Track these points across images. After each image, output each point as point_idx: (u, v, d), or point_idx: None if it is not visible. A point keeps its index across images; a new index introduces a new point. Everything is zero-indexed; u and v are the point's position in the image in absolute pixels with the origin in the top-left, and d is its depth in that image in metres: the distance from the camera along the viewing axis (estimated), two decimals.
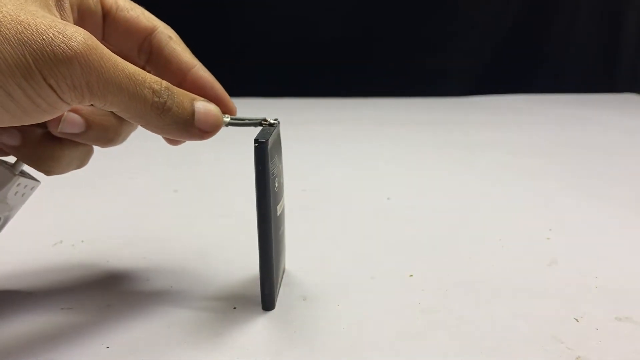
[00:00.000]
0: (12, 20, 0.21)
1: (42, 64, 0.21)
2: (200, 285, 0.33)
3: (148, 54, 0.30)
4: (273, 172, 0.28)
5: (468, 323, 0.29)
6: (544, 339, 0.27)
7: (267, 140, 0.27)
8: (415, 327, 0.28)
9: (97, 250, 0.38)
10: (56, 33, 0.22)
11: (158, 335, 0.28)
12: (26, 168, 0.29)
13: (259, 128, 0.29)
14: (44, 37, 0.21)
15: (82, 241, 0.39)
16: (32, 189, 0.30)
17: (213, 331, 0.28)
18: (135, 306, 0.30)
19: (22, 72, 0.21)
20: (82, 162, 0.30)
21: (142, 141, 0.71)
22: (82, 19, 0.27)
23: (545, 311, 0.30)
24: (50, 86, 0.22)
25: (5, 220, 0.30)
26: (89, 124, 0.27)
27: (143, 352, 0.26)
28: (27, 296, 0.31)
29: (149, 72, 0.27)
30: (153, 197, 0.50)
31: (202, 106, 0.27)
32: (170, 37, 0.30)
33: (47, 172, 0.29)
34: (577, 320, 0.29)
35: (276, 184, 0.29)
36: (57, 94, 0.22)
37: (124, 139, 0.30)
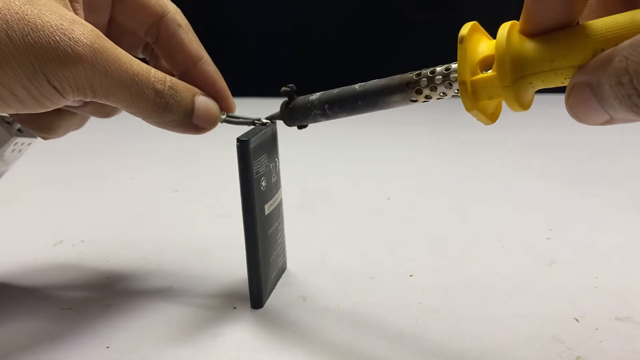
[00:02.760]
0: (19, 20, 0.21)
1: (46, 68, 0.21)
2: (200, 285, 0.33)
3: (155, 37, 0.30)
4: (258, 171, 0.28)
5: (468, 323, 0.29)
6: (544, 339, 0.27)
7: (249, 139, 0.27)
8: (415, 327, 0.28)
9: (97, 250, 0.38)
10: (62, 36, 0.22)
11: (158, 335, 0.28)
12: None
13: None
14: (51, 40, 0.21)
15: (82, 241, 0.39)
16: (29, 144, 0.31)
17: (213, 331, 0.28)
18: (135, 306, 0.30)
19: (27, 74, 0.21)
20: (79, 126, 0.31)
21: (142, 141, 0.71)
22: None
23: (545, 311, 0.30)
24: (54, 87, 0.22)
25: (1, 175, 0.31)
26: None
27: (143, 352, 0.26)
28: (27, 296, 0.31)
29: (156, 54, 0.28)
30: (153, 197, 0.50)
31: (202, 103, 0.27)
32: (179, 25, 0.30)
33: (45, 138, 0.29)
34: (577, 320, 0.29)
35: (263, 183, 0.29)
36: (60, 94, 0.22)
37: (120, 111, 0.31)
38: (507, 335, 0.28)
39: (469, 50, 0.22)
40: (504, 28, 0.21)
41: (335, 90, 0.27)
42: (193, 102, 0.27)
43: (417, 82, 0.24)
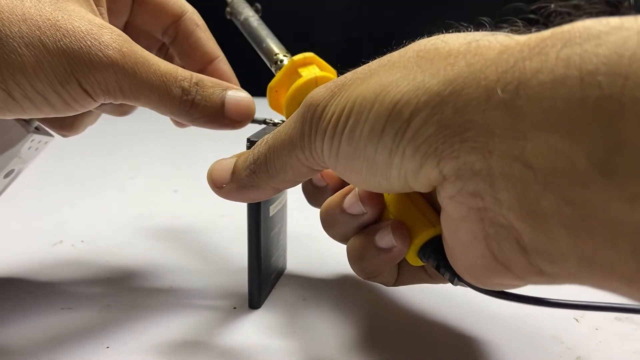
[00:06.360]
0: (51, 26, 0.22)
1: (78, 72, 0.22)
2: (200, 285, 0.33)
3: (173, 37, 0.30)
4: None
5: (468, 323, 0.29)
6: (544, 339, 0.27)
7: (259, 140, 0.27)
8: (415, 327, 0.28)
9: (97, 250, 0.38)
10: (93, 40, 0.22)
11: (158, 335, 0.28)
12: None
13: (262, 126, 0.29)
14: (82, 44, 0.22)
15: (82, 241, 0.39)
16: (46, 143, 0.31)
17: (213, 331, 0.28)
18: (135, 306, 0.30)
19: (60, 79, 0.22)
20: (93, 122, 0.31)
21: (142, 141, 0.71)
22: None
23: (545, 311, 0.30)
24: (86, 91, 0.23)
25: (18, 172, 0.31)
26: None
27: (143, 352, 0.26)
28: (27, 296, 0.31)
29: (170, 54, 0.29)
30: (153, 197, 0.50)
31: (233, 96, 0.27)
32: (197, 25, 0.30)
33: (65, 135, 0.30)
34: (577, 320, 0.29)
35: None
36: (91, 97, 0.23)
37: (135, 109, 0.31)
38: (507, 335, 0.28)
39: None
40: None
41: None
42: (222, 97, 0.27)
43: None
